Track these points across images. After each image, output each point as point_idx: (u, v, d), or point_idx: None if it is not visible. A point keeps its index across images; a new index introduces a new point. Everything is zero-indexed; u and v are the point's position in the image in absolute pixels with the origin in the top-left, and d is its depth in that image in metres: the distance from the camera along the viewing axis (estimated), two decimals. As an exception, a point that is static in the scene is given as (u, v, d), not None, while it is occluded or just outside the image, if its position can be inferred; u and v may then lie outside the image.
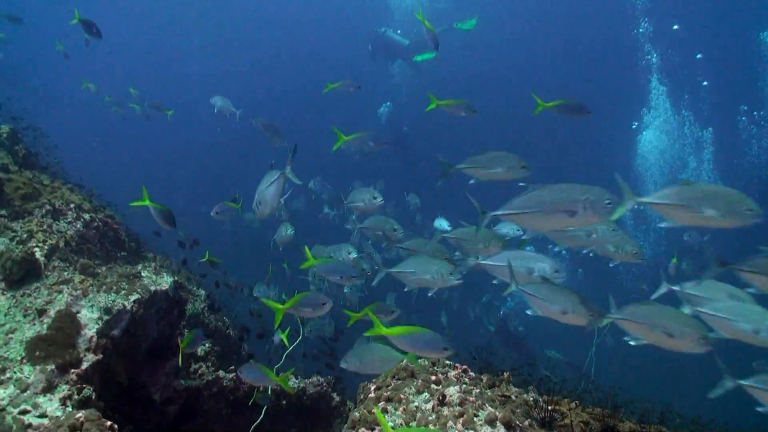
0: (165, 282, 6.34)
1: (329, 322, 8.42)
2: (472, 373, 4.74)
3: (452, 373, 4.61)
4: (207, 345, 7.26)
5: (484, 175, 4.92)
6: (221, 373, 6.88)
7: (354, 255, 6.73)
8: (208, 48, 41.03)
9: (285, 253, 8.81)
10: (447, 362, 4.80)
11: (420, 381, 4.39)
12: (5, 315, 5.23)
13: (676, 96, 24.23)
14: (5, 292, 5.48)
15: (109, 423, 3.99)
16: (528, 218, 4.12)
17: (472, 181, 5.10)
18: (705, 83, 25.00)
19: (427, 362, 4.78)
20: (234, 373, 6.91)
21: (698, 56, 25.25)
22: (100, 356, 5.12)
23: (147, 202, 5.24)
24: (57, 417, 4.26)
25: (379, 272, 5.70)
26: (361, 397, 4.65)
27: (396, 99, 26.23)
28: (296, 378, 7.63)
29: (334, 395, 7.86)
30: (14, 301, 5.39)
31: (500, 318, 16.95)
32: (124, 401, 6.05)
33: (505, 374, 5.06)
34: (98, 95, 9.83)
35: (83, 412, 4.00)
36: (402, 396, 4.20)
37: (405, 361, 4.84)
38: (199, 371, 6.87)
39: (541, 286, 4.54)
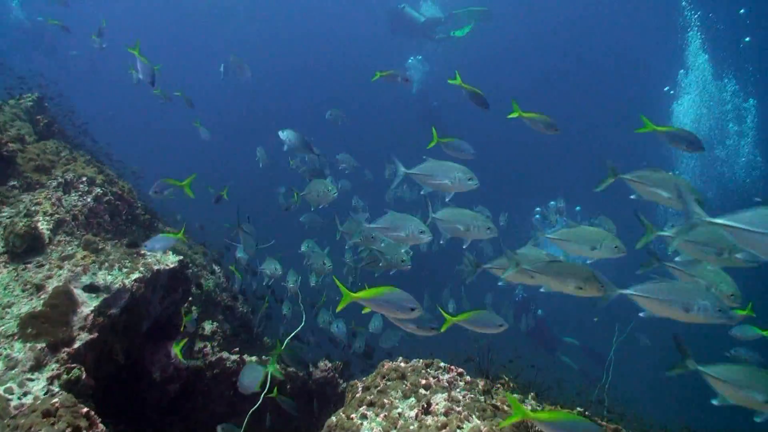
0: (170, 260, 6.28)
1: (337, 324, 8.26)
2: (468, 377, 4.57)
3: (446, 377, 4.45)
4: (214, 324, 7.21)
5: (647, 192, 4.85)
6: (225, 354, 6.83)
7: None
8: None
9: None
10: (441, 364, 4.64)
11: (408, 384, 4.25)
12: (4, 289, 5.22)
13: (716, 58, 22.74)
14: (7, 265, 5.48)
15: (84, 410, 3.93)
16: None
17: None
18: (747, 39, 22.97)
19: (420, 363, 4.63)
20: (238, 355, 6.86)
21: (741, 11, 23.29)
22: (95, 335, 5.08)
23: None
24: (39, 397, 4.24)
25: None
26: (349, 396, 4.53)
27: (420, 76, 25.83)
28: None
29: (341, 381, 7.79)
30: (15, 274, 5.38)
31: (518, 302, 16.54)
32: (124, 379, 6.04)
33: (505, 378, 4.89)
34: (138, 84, 9.79)
35: (58, 397, 3.94)
36: (386, 401, 4.05)
37: (400, 360, 4.70)
38: (204, 351, 6.83)
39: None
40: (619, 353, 7.86)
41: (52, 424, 3.70)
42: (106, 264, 5.70)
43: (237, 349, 6.96)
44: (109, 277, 5.56)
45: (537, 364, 5.78)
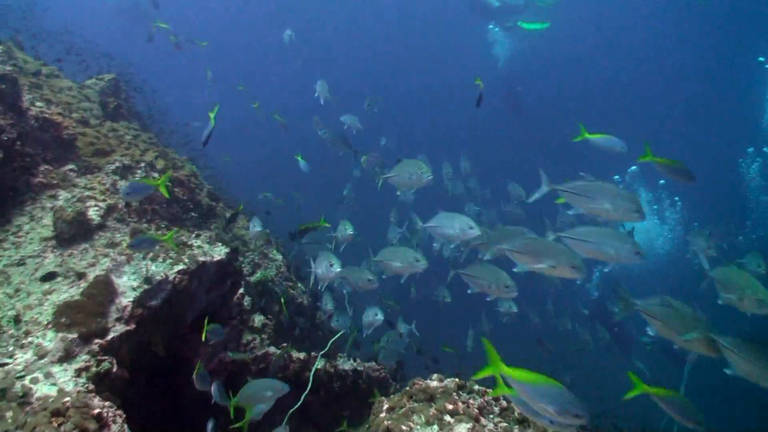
0: (218, 252, 6.19)
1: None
2: (504, 402, 4.24)
3: (477, 402, 4.13)
4: (265, 317, 7.10)
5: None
6: (272, 348, 6.71)
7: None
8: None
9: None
10: (476, 387, 4.32)
11: (434, 410, 3.94)
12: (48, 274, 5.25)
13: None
14: (55, 250, 5.51)
15: (96, 411, 3.84)
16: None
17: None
18: None
19: (453, 384, 4.32)
20: (286, 350, 6.73)
21: None
22: (132, 327, 5.03)
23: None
24: (64, 389, 4.20)
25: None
26: (373, 417, 4.28)
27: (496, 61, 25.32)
28: (354, 361, 7.37)
29: (393, 382, 7.56)
30: (60, 260, 5.39)
31: (594, 300, 15.71)
32: (166, 371, 6.02)
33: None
34: (213, 83, 9.87)
35: (70, 397, 3.87)
36: (404, 427, 3.77)
37: (434, 378, 4.41)
38: (252, 344, 6.73)
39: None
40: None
41: (59, 425, 3.62)
42: (151, 254, 5.65)
43: (285, 344, 6.82)
44: (153, 267, 5.51)
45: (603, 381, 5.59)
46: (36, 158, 6.12)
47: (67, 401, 3.82)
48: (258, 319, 7.06)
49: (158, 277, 5.43)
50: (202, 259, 5.91)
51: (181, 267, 5.63)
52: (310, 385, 6.24)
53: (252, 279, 7.75)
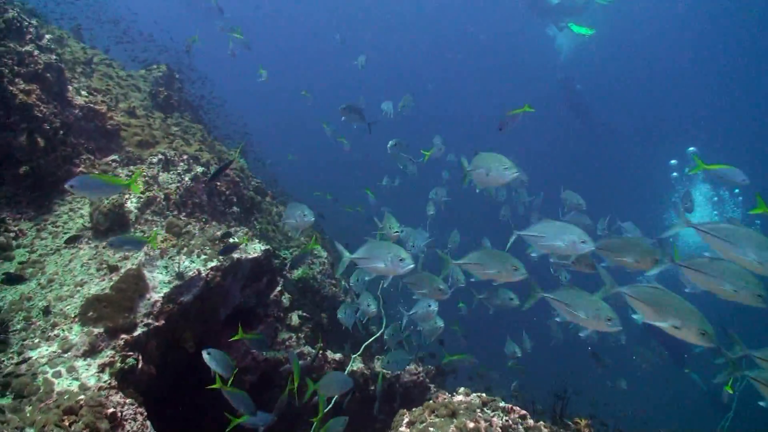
0: (254, 249, 6.09)
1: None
2: (530, 421, 3.99)
3: (502, 420, 3.89)
4: (302, 313, 6.98)
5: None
6: (307, 348, 6.59)
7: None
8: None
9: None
10: (501, 404, 4.07)
11: (453, 427, 3.73)
12: (81, 266, 5.23)
13: None
14: (90, 242, 5.50)
15: (110, 411, 3.77)
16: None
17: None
18: None
19: (478, 400, 4.09)
20: (320, 351, 6.59)
21: None
22: (161, 322, 4.97)
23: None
24: (86, 384, 4.15)
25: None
26: (394, 429, 4.09)
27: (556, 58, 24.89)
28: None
29: (432, 386, 7.36)
30: (95, 252, 5.38)
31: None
32: (197, 367, 5.95)
33: (582, 422, 4.27)
34: (267, 82, 9.80)
35: (84, 395, 3.81)
36: (422, 445, 3.57)
37: (448, 396, 4.22)
38: (288, 342, 6.62)
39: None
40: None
41: (70, 424, 3.56)
42: (186, 249, 5.59)
43: (320, 344, 6.68)
44: (186, 263, 5.44)
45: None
46: (78, 148, 6.14)
47: (81, 399, 3.76)
48: (295, 318, 6.95)
49: (191, 273, 5.35)
50: (236, 255, 5.81)
51: (214, 263, 5.55)
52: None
53: (293, 276, 7.64)
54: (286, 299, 7.10)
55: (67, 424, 3.55)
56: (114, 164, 6.33)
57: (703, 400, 13.09)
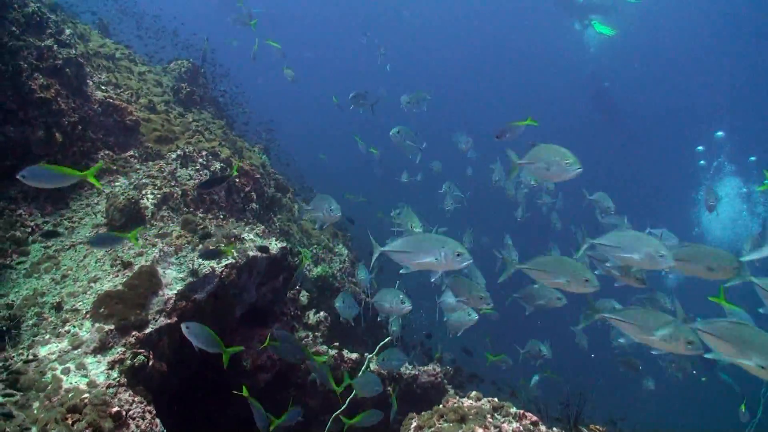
0: (270, 247, 6.02)
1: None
2: (543, 427, 3.86)
3: (512, 426, 3.76)
4: (320, 314, 6.92)
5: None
6: (323, 347, 6.51)
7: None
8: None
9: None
10: (513, 410, 3.95)
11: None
12: (96, 262, 5.21)
13: None
14: (106, 237, 5.48)
15: (115, 410, 3.73)
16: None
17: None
18: None
19: (488, 405, 3.98)
20: (336, 350, 6.52)
21: None
22: (174, 320, 4.92)
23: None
24: (94, 381, 4.11)
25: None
26: (401, 434, 4.00)
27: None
28: (411, 365, 7.09)
29: (450, 387, 7.24)
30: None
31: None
32: (211, 365, 5.90)
33: (598, 429, 4.14)
34: (294, 82, 9.72)
35: (89, 393, 3.77)
36: (428, 451, 3.46)
37: (458, 400, 4.11)
38: (304, 341, 6.56)
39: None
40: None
41: (73, 422, 3.52)
42: (201, 246, 5.54)
43: (337, 343, 6.61)
44: (200, 259, 5.39)
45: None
46: (97, 143, 6.13)
47: (86, 397, 3.72)
48: (313, 316, 6.88)
49: (205, 270, 5.30)
50: (252, 253, 5.75)
51: (229, 260, 5.49)
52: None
53: (312, 273, 7.58)
54: (304, 297, 7.04)
55: (70, 422, 3.50)
56: (132, 160, 6.32)
57: (736, 401, 12.78)
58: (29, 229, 5.43)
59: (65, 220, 5.62)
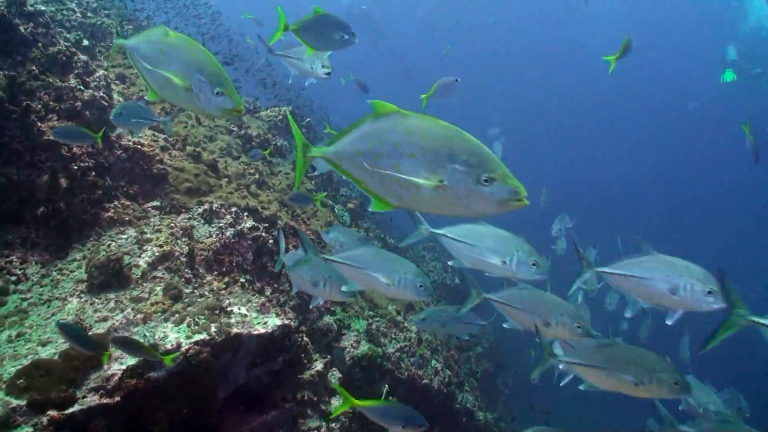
0: (264, 324, 5.25)
1: None
2: None
3: None
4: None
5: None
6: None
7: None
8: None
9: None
10: None
11: None
12: (58, 322, 4.78)
13: None
14: (82, 296, 5.05)
15: None
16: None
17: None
18: None
19: None
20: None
21: None
22: (115, 399, 4.34)
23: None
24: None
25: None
26: None
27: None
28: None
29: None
30: (80, 308, 4.91)
31: None
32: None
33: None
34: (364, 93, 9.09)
35: None
36: None
37: None
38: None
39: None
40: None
41: None
42: (176, 316, 4.93)
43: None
44: (169, 332, 4.77)
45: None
46: (116, 191, 5.80)
47: None
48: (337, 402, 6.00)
49: (168, 346, 4.66)
50: (236, 330, 5.02)
51: (201, 337, 4.80)
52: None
53: (356, 352, 6.69)
54: (334, 378, 6.20)
55: None
56: (154, 211, 5.91)
57: None
58: (15, 278, 5.15)
59: (55, 271, 5.28)
